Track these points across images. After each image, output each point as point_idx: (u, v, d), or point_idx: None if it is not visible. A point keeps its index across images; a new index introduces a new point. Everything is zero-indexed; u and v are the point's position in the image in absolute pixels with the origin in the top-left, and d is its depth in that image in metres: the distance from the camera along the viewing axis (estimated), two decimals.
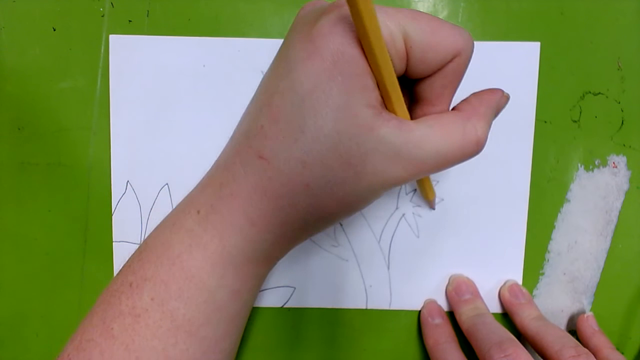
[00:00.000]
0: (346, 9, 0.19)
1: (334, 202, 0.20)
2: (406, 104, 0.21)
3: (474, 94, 0.22)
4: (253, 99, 0.22)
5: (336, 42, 0.18)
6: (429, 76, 0.20)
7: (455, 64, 0.20)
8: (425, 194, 0.29)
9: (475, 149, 0.20)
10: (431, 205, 0.30)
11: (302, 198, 0.20)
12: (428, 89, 0.21)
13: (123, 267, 0.22)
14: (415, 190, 0.31)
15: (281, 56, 0.21)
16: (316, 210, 0.20)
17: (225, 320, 0.22)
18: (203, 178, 0.23)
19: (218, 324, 0.21)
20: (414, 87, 0.21)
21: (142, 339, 0.20)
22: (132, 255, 0.23)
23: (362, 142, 0.19)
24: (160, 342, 0.20)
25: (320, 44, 0.19)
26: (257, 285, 0.23)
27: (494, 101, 0.21)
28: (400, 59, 0.19)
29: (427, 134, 0.19)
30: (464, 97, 0.22)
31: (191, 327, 0.20)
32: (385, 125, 0.19)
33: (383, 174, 0.19)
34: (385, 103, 0.20)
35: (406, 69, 0.20)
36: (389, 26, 0.19)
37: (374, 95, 0.19)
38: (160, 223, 0.23)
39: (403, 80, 0.21)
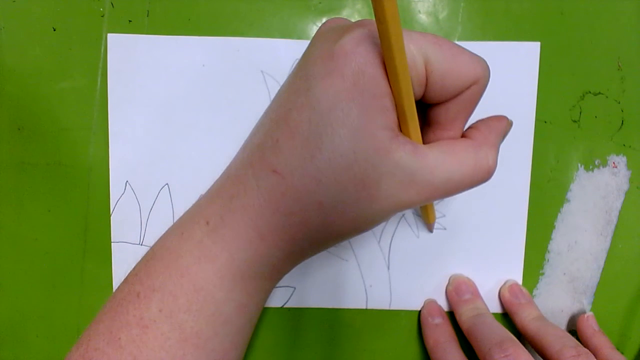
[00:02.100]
0: (370, 29, 0.19)
1: (345, 221, 0.20)
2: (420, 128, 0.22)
3: (482, 121, 0.22)
4: (268, 111, 0.22)
5: (358, 62, 0.18)
6: (444, 101, 0.20)
7: (472, 92, 0.20)
8: (426, 218, 0.29)
9: (485, 176, 0.21)
10: (430, 228, 0.30)
11: (313, 216, 0.20)
12: (443, 114, 0.21)
13: (129, 275, 0.22)
14: None
15: (300, 71, 0.20)
16: (326, 229, 0.20)
17: (232, 333, 0.22)
18: (212, 187, 0.23)
19: (225, 337, 0.21)
20: (428, 111, 0.21)
21: (149, 350, 0.20)
22: (138, 263, 0.23)
23: (378, 164, 0.19)
24: (168, 354, 0.20)
25: (342, 63, 0.18)
26: (264, 299, 0.23)
27: (502, 129, 0.22)
28: (419, 84, 0.19)
29: (441, 161, 0.19)
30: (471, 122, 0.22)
31: (199, 340, 0.20)
32: (401, 149, 0.19)
33: (396, 198, 0.19)
34: (401, 125, 0.20)
35: (424, 93, 0.20)
36: (412, 50, 0.19)
37: (392, 117, 0.19)
38: (168, 231, 0.23)
39: (417, 103, 0.21)
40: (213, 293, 0.21)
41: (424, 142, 0.21)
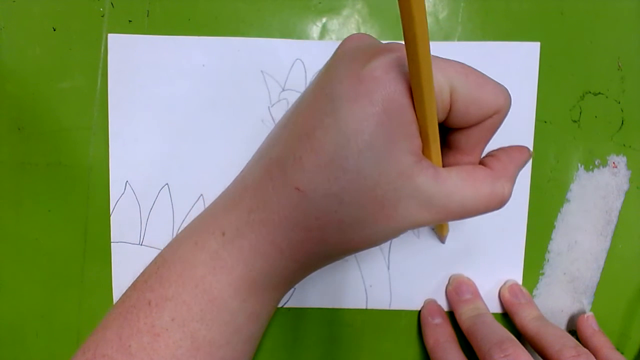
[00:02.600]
0: (399, 55, 0.19)
1: (362, 238, 0.21)
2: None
3: (504, 150, 0.23)
4: (287, 123, 0.22)
5: (389, 89, 0.18)
6: (466, 128, 0.21)
7: (494, 120, 0.21)
8: (440, 230, 0.29)
9: (499, 206, 0.21)
10: (442, 240, 0.30)
11: (332, 233, 0.20)
12: (464, 139, 0.21)
13: (138, 281, 0.22)
14: None
15: (324, 88, 0.20)
16: (343, 245, 0.21)
17: (242, 341, 0.22)
18: (227, 195, 0.23)
19: (236, 345, 0.22)
20: (448, 135, 0.22)
21: (160, 358, 0.20)
22: (147, 270, 0.23)
23: (400, 187, 0.19)
24: None
25: (372, 88, 0.19)
26: (275, 307, 0.23)
27: (522, 160, 0.22)
28: (443, 110, 0.20)
29: (459, 187, 0.20)
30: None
31: (211, 349, 0.21)
32: (423, 174, 0.19)
33: (412, 218, 0.20)
34: (424, 148, 0.20)
35: (446, 118, 0.20)
36: (439, 78, 0.19)
37: (417, 143, 0.20)
38: (179, 238, 0.23)
39: (439, 126, 0.21)
40: (227, 303, 0.21)
41: (443, 165, 0.22)
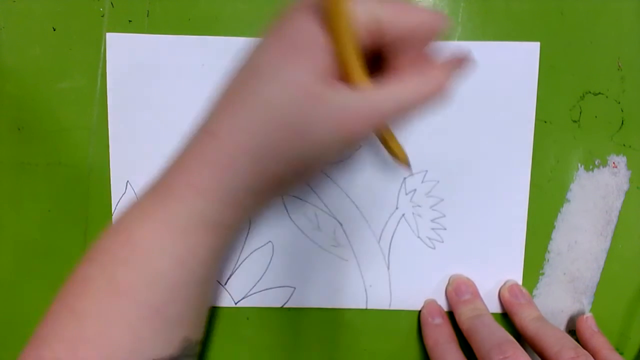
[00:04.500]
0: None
1: (280, 167, 0.21)
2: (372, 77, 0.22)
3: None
4: None
5: (296, 20, 0.20)
6: (396, 52, 0.21)
7: (423, 41, 0.21)
8: (393, 154, 0.27)
9: (436, 90, 0.21)
10: (405, 164, 0.28)
11: (245, 165, 0.21)
12: (394, 62, 0.21)
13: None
14: (416, 190, 0.31)
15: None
16: (262, 176, 0.21)
17: (168, 287, 0.22)
18: None
19: (159, 290, 0.22)
20: (381, 61, 0.22)
21: (87, 303, 0.21)
22: None
23: (310, 111, 0.20)
24: (102, 306, 0.21)
25: (282, 23, 0.20)
26: (209, 256, 0.23)
27: (454, 55, 0.22)
28: (369, 36, 0.20)
29: (384, 87, 0.20)
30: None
31: (131, 291, 0.21)
32: (336, 91, 0.20)
33: (341, 132, 0.20)
34: (346, 75, 0.20)
35: (374, 43, 0.21)
36: (358, 8, 0.19)
37: (323, 64, 0.20)
38: None
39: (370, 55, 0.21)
40: (149, 247, 0.21)
41: None
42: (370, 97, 0.20)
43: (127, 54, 0.29)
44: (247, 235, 0.30)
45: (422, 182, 0.30)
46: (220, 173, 0.21)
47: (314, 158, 0.21)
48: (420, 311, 0.31)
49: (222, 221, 0.22)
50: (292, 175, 0.22)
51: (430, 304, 0.31)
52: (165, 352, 0.22)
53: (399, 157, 0.27)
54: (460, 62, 0.22)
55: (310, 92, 0.19)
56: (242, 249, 0.30)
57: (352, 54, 0.20)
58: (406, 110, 0.21)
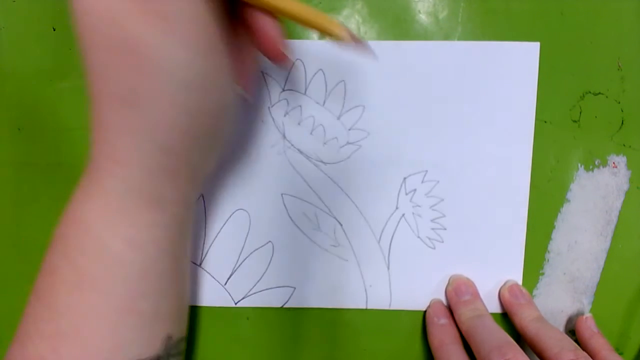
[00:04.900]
0: None
1: (169, 113, 0.20)
2: None
3: None
4: None
5: None
6: None
7: None
8: (324, 32, 0.21)
9: None
10: (357, 47, 0.21)
11: (148, 124, 0.20)
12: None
13: None
14: (416, 190, 0.31)
15: None
16: (170, 132, 0.20)
17: (132, 277, 0.21)
18: None
19: (124, 281, 0.21)
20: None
21: (59, 296, 0.21)
22: None
23: (126, 25, 0.19)
24: (73, 299, 0.21)
25: None
26: (163, 237, 0.22)
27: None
28: None
29: None
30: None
31: (96, 283, 0.21)
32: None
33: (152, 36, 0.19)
34: None
35: None
36: None
37: None
38: None
39: None
40: (99, 230, 0.21)
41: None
42: None
43: None
44: (247, 235, 0.30)
45: (422, 182, 0.30)
46: (131, 139, 0.20)
47: (178, 83, 0.20)
48: (425, 311, 0.31)
49: (162, 194, 0.22)
50: (199, 128, 0.21)
51: (436, 303, 0.31)
52: (148, 352, 0.22)
53: (332, 32, 0.20)
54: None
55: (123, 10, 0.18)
56: (242, 249, 0.30)
57: None
58: None
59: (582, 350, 0.25)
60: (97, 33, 0.19)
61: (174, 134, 0.21)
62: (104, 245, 0.21)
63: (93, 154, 0.22)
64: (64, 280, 0.21)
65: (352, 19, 0.30)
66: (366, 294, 0.31)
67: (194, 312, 0.31)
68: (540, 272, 0.31)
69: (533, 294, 0.31)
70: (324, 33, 0.21)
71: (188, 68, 0.20)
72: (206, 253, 0.30)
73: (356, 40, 0.21)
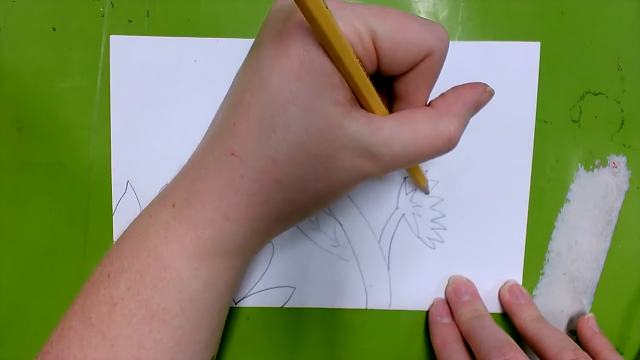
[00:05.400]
0: None
1: (306, 197, 0.21)
2: (388, 101, 0.22)
3: (454, 88, 0.22)
4: (227, 94, 0.22)
5: (302, 42, 0.19)
6: (403, 74, 0.20)
7: (428, 63, 0.20)
8: (415, 181, 0.29)
9: (446, 147, 0.20)
10: (425, 190, 0.30)
11: (273, 194, 0.20)
12: (403, 87, 0.21)
13: (102, 258, 0.23)
14: (416, 190, 0.31)
15: (252, 53, 0.21)
16: (288, 205, 0.21)
17: (199, 310, 0.22)
18: (179, 172, 0.23)
19: (192, 314, 0.22)
20: (392, 84, 0.21)
21: (117, 326, 0.20)
22: (111, 248, 0.23)
23: (332, 139, 0.19)
24: (135, 330, 0.21)
25: (289, 44, 0.19)
26: (234, 277, 0.23)
27: (473, 99, 0.21)
28: (370, 59, 0.19)
29: (396, 132, 0.20)
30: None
31: (165, 316, 0.21)
32: (354, 124, 0.19)
33: (354, 170, 0.20)
34: (360, 101, 0.20)
35: (379, 67, 0.20)
36: (356, 25, 0.19)
37: (342, 93, 0.19)
38: (138, 215, 0.23)
39: (380, 76, 0.21)
40: (180, 271, 0.21)
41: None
42: (384, 142, 0.19)
43: (129, 56, 0.29)
44: None
45: None
46: (249, 201, 0.20)
47: (334, 190, 0.21)
48: (428, 310, 0.31)
49: (247, 246, 0.22)
50: (316, 204, 0.22)
51: (439, 303, 0.30)
52: None
53: (421, 184, 0.29)
54: (477, 102, 0.21)
55: (332, 122, 0.19)
56: None
57: (363, 81, 0.19)
58: (417, 162, 0.21)
59: (582, 350, 0.25)
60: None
61: (292, 208, 0.21)
62: (182, 283, 0.21)
63: (191, 195, 0.21)
64: (127, 312, 0.21)
65: None
66: (366, 294, 0.31)
67: None
68: (540, 272, 0.31)
69: (533, 294, 0.31)
70: (416, 183, 0.30)
71: (364, 178, 0.21)
72: None
73: (427, 192, 0.30)
